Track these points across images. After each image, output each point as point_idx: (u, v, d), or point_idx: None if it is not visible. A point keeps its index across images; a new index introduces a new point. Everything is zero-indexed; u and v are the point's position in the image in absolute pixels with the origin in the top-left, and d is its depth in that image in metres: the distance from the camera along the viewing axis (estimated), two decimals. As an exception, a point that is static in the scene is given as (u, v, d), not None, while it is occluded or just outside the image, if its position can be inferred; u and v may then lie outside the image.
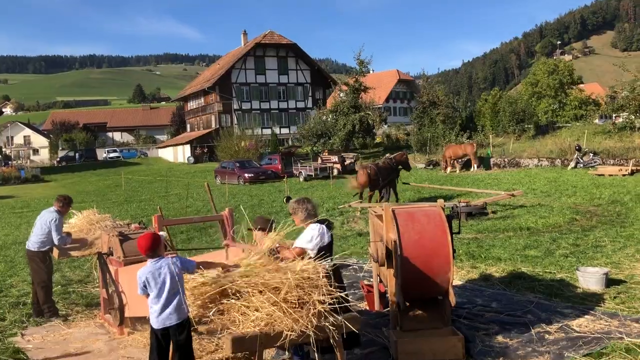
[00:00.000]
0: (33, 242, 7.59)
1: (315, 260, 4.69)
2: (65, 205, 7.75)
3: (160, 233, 5.07)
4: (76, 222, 8.29)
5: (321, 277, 4.43)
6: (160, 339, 4.69)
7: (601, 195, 16.44)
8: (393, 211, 5.66)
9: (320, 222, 5.36)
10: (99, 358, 5.94)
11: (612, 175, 21.21)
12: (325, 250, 5.15)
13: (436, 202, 6.17)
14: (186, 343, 4.68)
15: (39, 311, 7.62)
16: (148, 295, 4.64)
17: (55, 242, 7.50)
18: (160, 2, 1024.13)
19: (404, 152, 19.33)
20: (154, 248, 4.60)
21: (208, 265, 4.92)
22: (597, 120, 43.84)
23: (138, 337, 6.36)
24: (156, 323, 4.61)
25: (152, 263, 4.61)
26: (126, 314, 6.49)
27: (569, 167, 24.55)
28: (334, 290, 4.42)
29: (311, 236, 5.10)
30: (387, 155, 19.25)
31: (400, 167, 18.27)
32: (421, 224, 5.59)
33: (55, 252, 7.70)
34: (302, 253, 4.98)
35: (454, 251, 5.77)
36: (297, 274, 4.40)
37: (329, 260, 4.87)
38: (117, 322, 6.64)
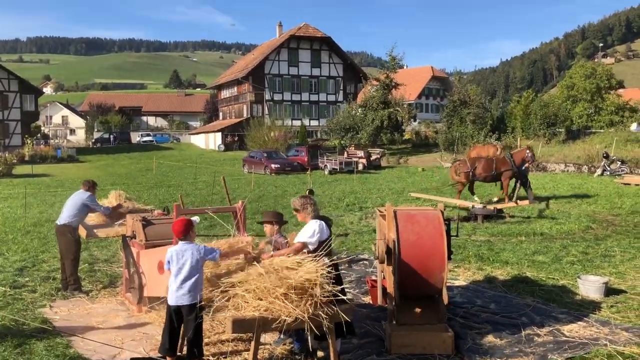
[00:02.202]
0: (65, 217, 8.21)
1: (316, 255, 5.10)
2: (91, 188, 8.41)
3: (194, 218, 5.62)
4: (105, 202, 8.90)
5: (319, 276, 4.80)
6: (172, 316, 5.24)
7: (622, 204, 16.41)
8: (395, 212, 6.01)
9: (320, 218, 5.75)
10: (117, 332, 6.47)
11: (638, 184, 21.01)
12: (322, 244, 5.55)
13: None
14: (196, 324, 5.18)
15: (66, 285, 8.23)
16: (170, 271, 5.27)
17: (102, 211, 8.31)
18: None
19: (524, 150, 17.61)
20: (185, 233, 5.29)
21: (233, 253, 5.47)
22: (633, 127, 43.01)
23: (154, 316, 6.86)
24: (171, 300, 5.21)
25: (181, 244, 5.27)
26: (145, 294, 7.01)
27: (595, 175, 24.38)
28: (331, 285, 4.82)
29: (313, 230, 5.50)
30: (511, 151, 18.97)
31: (524, 165, 17.12)
32: (420, 226, 5.93)
33: (83, 232, 8.28)
34: (303, 247, 5.39)
35: (450, 253, 6.10)
36: (299, 281, 4.76)
37: (328, 256, 5.30)
38: (136, 301, 7.18)
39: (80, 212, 8.23)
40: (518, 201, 15.87)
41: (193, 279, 5.15)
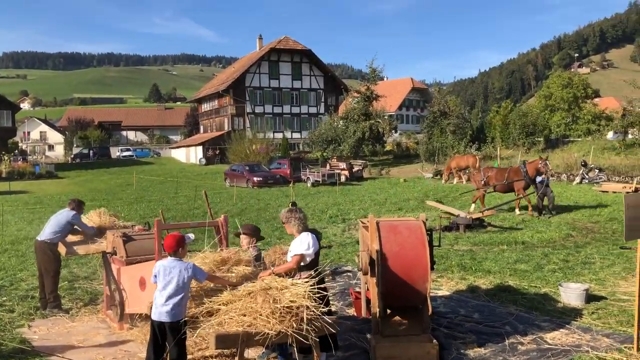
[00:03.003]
0: (47, 234, 8.09)
1: (314, 269, 5.19)
2: (77, 207, 8.29)
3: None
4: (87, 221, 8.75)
5: (307, 298, 4.80)
6: (156, 331, 5.18)
7: (601, 212, 16.64)
8: (377, 223, 6.02)
9: (310, 231, 5.78)
10: (99, 350, 6.36)
11: (615, 192, 21.34)
12: (313, 257, 5.60)
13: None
14: (178, 341, 5.12)
15: (45, 304, 8.08)
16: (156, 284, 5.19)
17: (88, 231, 8.14)
18: (178, 2, 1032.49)
19: (537, 161, 16.99)
20: (175, 248, 5.20)
21: (218, 280, 5.46)
22: (609, 136, 43.79)
23: (136, 333, 6.77)
24: (154, 314, 5.16)
25: (170, 260, 5.19)
26: (126, 311, 6.91)
27: (574, 183, 24.73)
28: (317, 302, 4.82)
29: (308, 243, 5.55)
30: (525, 160, 18.55)
31: (540, 176, 16.49)
32: (403, 237, 5.95)
33: (62, 249, 8.15)
34: (301, 259, 5.44)
35: (433, 263, 6.13)
36: (286, 303, 4.76)
37: (314, 271, 5.34)
38: (117, 318, 7.07)
39: (63, 230, 8.11)
40: (485, 212, 15.38)
41: (178, 297, 5.08)
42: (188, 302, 5.22)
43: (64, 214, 8.18)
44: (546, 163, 16.71)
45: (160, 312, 5.09)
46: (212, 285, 5.41)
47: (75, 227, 8.17)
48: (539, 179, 16.61)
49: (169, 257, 5.25)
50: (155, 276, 5.20)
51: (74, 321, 7.63)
